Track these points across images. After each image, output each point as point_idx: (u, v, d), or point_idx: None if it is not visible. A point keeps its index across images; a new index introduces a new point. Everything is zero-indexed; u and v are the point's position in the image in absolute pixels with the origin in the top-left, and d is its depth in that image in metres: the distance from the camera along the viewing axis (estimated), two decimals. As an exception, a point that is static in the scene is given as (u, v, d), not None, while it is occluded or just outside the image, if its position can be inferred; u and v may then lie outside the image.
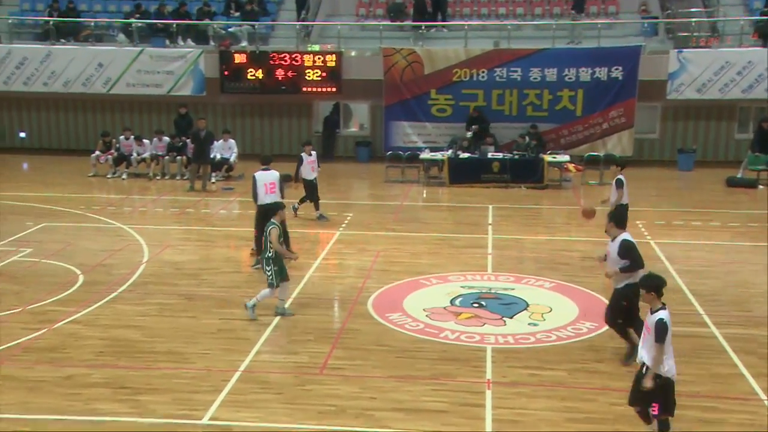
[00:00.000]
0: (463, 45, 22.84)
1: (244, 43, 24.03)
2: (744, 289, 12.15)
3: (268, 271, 10.68)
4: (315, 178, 16.20)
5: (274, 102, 24.30)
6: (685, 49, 22.08)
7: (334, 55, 23.01)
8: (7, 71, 23.67)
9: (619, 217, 9.49)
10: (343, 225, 16.17)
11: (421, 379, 8.98)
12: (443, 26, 24.48)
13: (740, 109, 23.15)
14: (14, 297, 11.65)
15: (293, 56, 23.10)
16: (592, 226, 14.00)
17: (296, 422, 7.98)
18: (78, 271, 12.86)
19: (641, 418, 7.47)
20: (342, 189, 20.94)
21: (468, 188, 19.87)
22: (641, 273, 8.89)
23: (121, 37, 24.68)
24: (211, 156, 20.32)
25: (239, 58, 23.31)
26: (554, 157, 20.47)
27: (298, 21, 24.50)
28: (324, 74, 23.04)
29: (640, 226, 15.90)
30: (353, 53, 23.72)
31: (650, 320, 7.11)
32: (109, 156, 21.65)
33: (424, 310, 11.17)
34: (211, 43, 24.10)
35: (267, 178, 13.22)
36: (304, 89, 23.24)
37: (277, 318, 10.77)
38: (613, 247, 9.17)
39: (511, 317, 10.93)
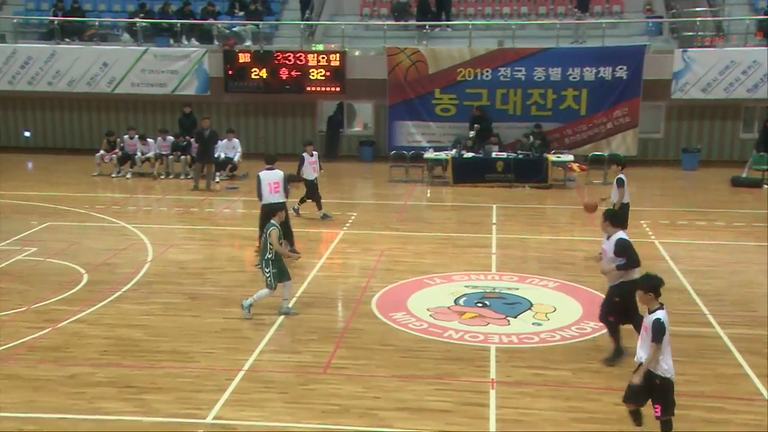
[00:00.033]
0: (467, 44, 22.84)
1: (248, 43, 24.06)
2: (749, 289, 12.13)
3: (267, 273, 10.67)
4: (316, 178, 16.20)
5: (278, 101, 24.32)
6: (689, 49, 22.04)
7: (338, 55, 23.02)
8: (12, 71, 23.75)
9: (615, 216, 9.44)
10: (347, 224, 16.17)
11: (425, 378, 8.98)
12: (447, 26, 24.49)
13: (745, 108, 23.11)
14: (19, 296, 11.67)
15: (297, 56, 23.11)
16: (596, 226, 13.94)
17: (300, 421, 7.99)
18: (82, 271, 12.89)
19: (632, 419, 7.44)
20: (346, 188, 20.95)
21: (472, 188, 19.86)
22: (637, 272, 8.97)
23: (126, 36, 24.73)
24: (216, 155, 20.34)
25: (243, 58, 23.33)
26: (558, 157, 20.45)
27: (302, 20, 24.52)
28: (328, 74, 23.06)
29: (645, 225, 15.89)
30: (357, 53, 23.73)
31: (647, 320, 7.13)
32: (114, 155, 21.69)
33: (428, 309, 11.17)
34: (216, 42, 24.14)
35: (271, 177, 13.25)
36: (308, 89, 23.26)
37: (281, 317, 10.77)
38: (609, 246, 9.16)
39: (515, 317, 10.92)
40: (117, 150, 21.80)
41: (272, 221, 10.81)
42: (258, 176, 13.39)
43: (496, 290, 12.04)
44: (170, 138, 21.68)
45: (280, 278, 10.72)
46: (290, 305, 11.06)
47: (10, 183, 20.33)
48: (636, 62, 21.79)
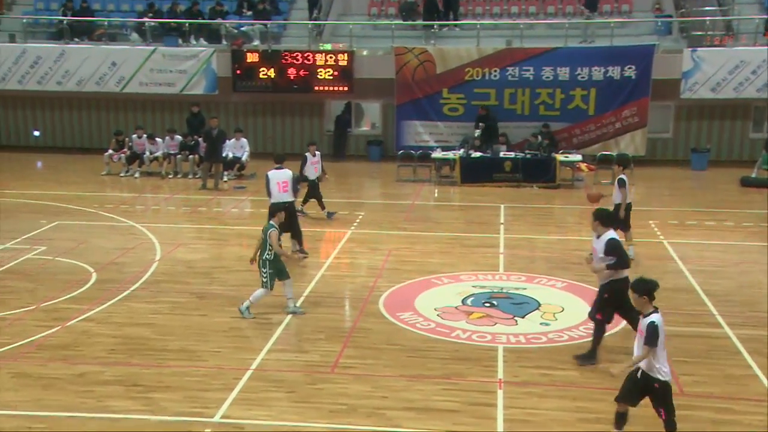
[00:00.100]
0: (475, 44, 22.80)
1: (256, 42, 24.09)
2: (758, 290, 12.05)
3: (264, 273, 10.69)
4: (317, 178, 16.22)
5: (286, 101, 24.34)
6: (699, 48, 21.94)
7: (345, 54, 23.02)
8: (21, 70, 23.85)
9: (605, 215, 9.38)
10: (355, 224, 16.18)
11: (432, 378, 8.97)
12: (455, 25, 24.46)
13: (755, 108, 22.98)
14: (28, 295, 11.73)
15: (305, 55, 23.13)
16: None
17: (307, 421, 7.99)
18: (91, 269, 12.94)
19: (616, 419, 7.42)
20: (353, 188, 20.96)
21: (480, 187, 19.83)
22: (626, 270, 9.03)
23: (135, 36, 24.80)
24: (223, 155, 20.39)
25: (251, 57, 23.36)
26: (566, 157, 20.40)
27: (310, 20, 24.53)
28: (336, 73, 23.07)
29: (653, 225, 15.84)
30: (365, 52, 23.73)
31: (642, 323, 7.13)
32: (122, 155, 21.76)
33: (435, 309, 11.16)
34: (224, 42, 24.17)
35: (280, 176, 13.32)
36: (316, 88, 23.28)
37: (289, 317, 10.79)
38: (599, 245, 9.15)
39: (523, 317, 10.90)
40: (125, 149, 21.87)
41: (272, 222, 10.82)
42: (267, 175, 13.46)
43: (504, 290, 12.02)
44: (178, 137, 21.74)
45: (278, 278, 10.73)
46: (297, 304, 11.07)
47: (20, 182, 20.44)
48: (645, 62, 21.71)
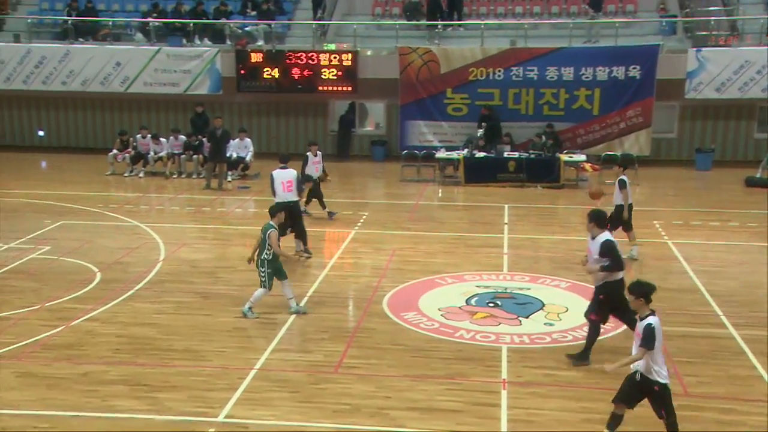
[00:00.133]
0: (479, 44, 22.79)
1: (260, 43, 24.12)
2: (763, 290, 12.01)
3: (263, 273, 10.70)
4: (318, 177, 16.23)
5: (290, 101, 24.36)
6: (704, 48, 21.90)
7: (350, 54, 23.03)
8: (26, 70, 23.90)
9: (600, 217, 9.36)
10: (359, 224, 16.18)
11: (436, 378, 8.98)
12: (459, 25, 24.45)
13: (760, 108, 22.93)
14: (33, 294, 11.76)
15: (309, 55, 23.14)
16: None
17: (311, 421, 8.00)
18: (95, 269, 12.96)
19: (610, 419, 7.40)
20: (357, 188, 20.98)
21: (484, 187, 19.82)
22: (621, 273, 9.05)
23: (139, 36, 24.85)
24: (228, 155, 20.41)
25: (255, 57, 23.39)
26: (571, 157, 20.39)
27: (314, 20, 24.55)
28: (340, 73, 23.08)
29: (658, 225, 15.82)
30: (369, 52, 23.74)
31: (639, 326, 7.13)
32: (127, 154, 21.81)
33: (439, 309, 11.16)
34: (228, 42, 24.21)
35: (284, 176, 13.40)
36: (320, 88, 23.29)
37: (292, 317, 10.80)
38: (594, 247, 9.15)
39: (527, 317, 10.90)
40: (130, 149, 21.92)
41: (271, 222, 10.82)
42: (271, 175, 13.55)
43: (508, 290, 12.02)
44: (182, 137, 21.77)
45: (277, 277, 10.74)
46: (302, 303, 11.08)
47: (25, 182, 20.49)
48: (649, 62, 21.68)
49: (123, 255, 13.80)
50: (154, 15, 25.02)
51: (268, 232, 10.65)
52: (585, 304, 11.25)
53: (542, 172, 19.95)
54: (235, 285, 12.22)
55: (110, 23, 25.10)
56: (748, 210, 17.40)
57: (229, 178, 20.36)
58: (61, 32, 25.12)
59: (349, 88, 23.25)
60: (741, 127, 23.24)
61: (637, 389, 7.17)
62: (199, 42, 24.39)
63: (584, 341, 9.45)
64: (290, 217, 13.36)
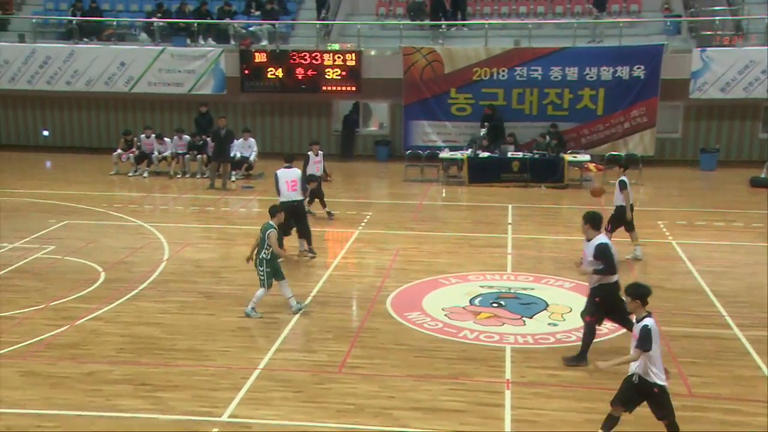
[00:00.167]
0: (483, 44, 22.77)
1: (264, 42, 24.13)
2: None
3: (261, 272, 10.71)
4: (319, 176, 16.25)
5: (294, 101, 24.37)
6: (708, 48, 21.85)
7: (353, 54, 23.03)
8: (31, 70, 23.95)
9: (595, 219, 9.32)
10: (363, 224, 16.18)
11: (439, 378, 8.97)
12: (463, 25, 24.44)
13: (765, 108, 22.88)
14: (37, 294, 11.78)
15: (313, 55, 23.16)
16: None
17: (315, 420, 8.00)
18: (100, 269, 12.99)
19: (606, 420, 7.37)
20: (361, 188, 20.98)
21: (487, 187, 19.81)
22: (616, 276, 9.04)
23: (143, 36, 24.89)
24: (231, 154, 20.43)
25: (259, 57, 23.40)
26: (575, 157, 20.36)
27: (318, 20, 24.56)
28: (344, 73, 23.08)
29: (662, 226, 15.79)
30: (373, 52, 23.74)
31: (635, 328, 7.12)
32: (131, 154, 21.84)
33: (443, 309, 11.16)
34: (232, 42, 24.23)
35: (288, 175, 13.44)
36: (324, 88, 23.29)
37: (296, 316, 10.80)
38: (589, 249, 9.12)
39: (531, 317, 10.89)
40: (134, 149, 21.95)
41: (270, 222, 10.83)
42: (275, 174, 13.58)
43: (512, 290, 12.01)
44: (186, 137, 21.79)
45: (275, 278, 10.75)
46: (306, 302, 11.08)
47: (29, 182, 20.54)
48: (654, 62, 21.63)
49: (127, 255, 13.82)
50: (159, 15, 25.05)
51: (268, 232, 10.66)
52: (589, 304, 11.30)
53: (546, 172, 19.93)
54: (239, 285, 12.23)
55: (114, 23, 25.14)
56: (752, 210, 17.35)
57: (233, 178, 20.37)
58: (65, 32, 25.17)
59: (353, 88, 23.25)
60: (746, 127, 23.18)
61: (635, 391, 7.15)
62: (203, 42, 24.42)
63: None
64: (295, 217, 13.41)
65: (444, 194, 19.85)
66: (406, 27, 24.21)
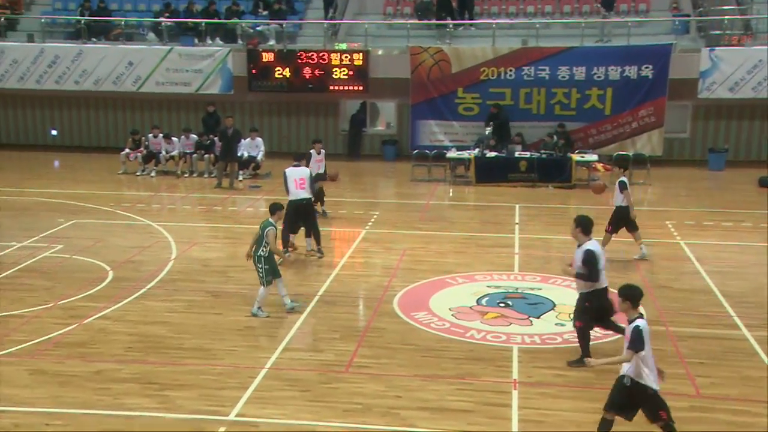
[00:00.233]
0: (490, 43, 22.75)
1: (271, 42, 24.16)
2: (776, 291, 11.96)
3: (260, 270, 10.73)
4: (322, 175, 16.27)
5: (301, 100, 24.40)
6: (717, 48, 21.76)
7: (361, 54, 23.04)
8: (39, 70, 24.05)
9: (586, 223, 9.25)
10: (370, 223, 16.19)
11: (446, 378, 8.97)
12: (471, 25, 24.41)
13: (773, 108, 22.80)
14: (45, 292, 11.83)
15: (320, 55, 23.17)
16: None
17: (322, 420, 8.01)
18: (108, 268, 13.02)
19: (600, 424, 7.31)
20: (368, 187, 20.98)
21: (495, 187, 19.79)
22: (605, 280, 9.01)
23: (151, 36, 24.96)
24: (239, 154, 20.47)
25: (267, 57, 23.44)
26: (582, 157, 20.31)
27: (325, 20, 24.56)
28: (351, 73, 23.09)
29: (670, 226, 15.74)
30: (380, 52, 23.73)
31: (627, 329, 7.07)
32: (139, 154, 21.90)
33: (450, 309, 11.15)
34: (239, 41, 24.27)
35: (297, 174, 13.46)
36: (331, 88, 23.30)
37: (303, 316, 10.81)
38: (578, 255, 9.03)
39: (538, 317, 10.87)
40: (142, 148, 22.01)
41: (270, 220, 10.82)
42: (284, 172, 13.59)
43: (519, 290, 11.99)
44: (194, 137, 21.83)
45: (272, 275, 10.77)
46: (300, 302, 11.08)
47: (38, 181, 20.63)
48: (662, 61, 21.56)
49: (135, 254, 13.86)
50: (166, 15, 25.12)
51: (267, 229, 10.66)
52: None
53: (554, 172, 19.89)
54: (246, 284, 12.23)
55: (123, 23, 25.21)
56: (761, 210, 17.25)
57: (240, 178, 20.41)
58: (74, 32, 25.27)
59: (360, 88, 23.26)
60: (754, 127, 23.09)
61: (628, 395, 7.04)
62: (210, 42, 24.47)
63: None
64: (303, 215, 13.43)
65: (451, 194, 19.83)
66: (414, 26, 24.21)
